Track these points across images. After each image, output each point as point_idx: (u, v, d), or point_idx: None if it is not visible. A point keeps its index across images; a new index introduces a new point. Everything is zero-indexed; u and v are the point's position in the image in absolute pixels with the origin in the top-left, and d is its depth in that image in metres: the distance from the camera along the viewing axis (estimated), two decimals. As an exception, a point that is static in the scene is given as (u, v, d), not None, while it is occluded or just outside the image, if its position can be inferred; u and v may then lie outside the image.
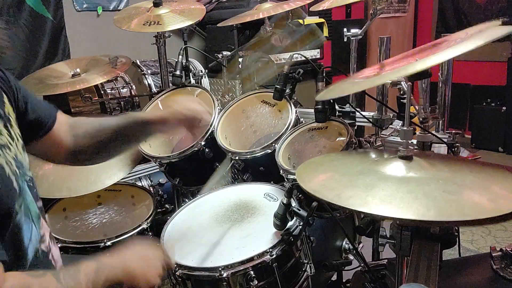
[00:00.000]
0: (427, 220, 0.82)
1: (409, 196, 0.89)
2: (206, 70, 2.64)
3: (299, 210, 1.24)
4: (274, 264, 1.22)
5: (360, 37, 1.99)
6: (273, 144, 1.65)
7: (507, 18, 1.14)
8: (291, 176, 1.48)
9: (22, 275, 0.88)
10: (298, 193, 1.46)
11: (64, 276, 0.90)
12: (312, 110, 1.62)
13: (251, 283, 1.20)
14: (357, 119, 1.79)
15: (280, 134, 1.68)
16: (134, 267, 1.02)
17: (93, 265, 0.95)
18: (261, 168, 1.69)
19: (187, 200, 1.74)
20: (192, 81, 2.36)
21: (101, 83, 2.41)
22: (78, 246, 1.64)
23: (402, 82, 1.26)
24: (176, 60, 2.00)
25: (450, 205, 0.84)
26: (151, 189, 2.15)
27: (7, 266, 0.85)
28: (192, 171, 1.85)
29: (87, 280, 0.91)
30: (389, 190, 0.92)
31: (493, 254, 1.41)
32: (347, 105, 1.79)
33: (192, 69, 2.58)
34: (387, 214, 0.85)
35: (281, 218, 1.24)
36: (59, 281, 0.88)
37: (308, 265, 1.37)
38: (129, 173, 1.95)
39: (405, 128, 1.07)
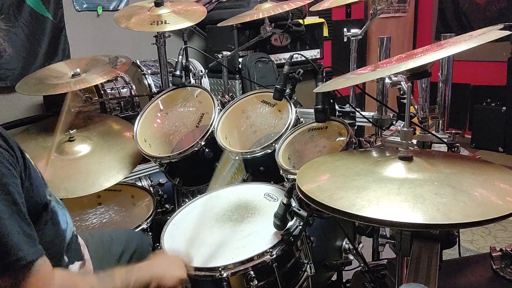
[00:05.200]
0: (410, 222, 0.82)
1: (398, 198, 0.89)
2: (206, 70, 2.64)
3: (299, 210, 1.24)
4: (274, 264, 1.22)
5: (360, 37, 2.00)
6: (273, 144, 1.65)
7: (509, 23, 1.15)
8: (291, 176, 1.48)
9: (66, 272, 1.03)
10: (298, 193, 1.46)
11: (102, 276, 1.04)
12: (312, 110, 1.62)
13: (251, 283, 1.20)
14: (357, 119, 1.79)
15: (280, 134, 1.68)
16: (161, 268, 1.15)
17: (124, 269, 1.09)
18: (261, 168, 1.69)
19: (187, 200, 1.74)
20: (192, 81, 2.36)
21: (101, 83, 2.41)
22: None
23: (402, 82, 1.26)
24: (176, 60, 2.00)
25: (437, 208, 0.84)
26: (151, 189, 2.15)
27: (49, 247, 0.98)
28: (192, 171, 1.85)
29: (121, 280, 1.04)
30: (380, 192, 0.92)
31: (493, 254, 1.41)
32: (347, 105, 1.79)
33: (192, 69, 2.58)
34: (371, 215, 0.85)
35: (281, 218, 1.24)
36: (99, 279, 1.03)
37: (308, 265, 1.37)
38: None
39: (405, 129, 1.07)
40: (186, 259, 1.23)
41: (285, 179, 1.53)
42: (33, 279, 0.87)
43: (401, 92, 1.38)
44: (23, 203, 0.91)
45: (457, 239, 1.40)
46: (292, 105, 1.78)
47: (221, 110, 1.91)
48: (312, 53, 3.43)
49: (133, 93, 2.57)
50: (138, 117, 1.96)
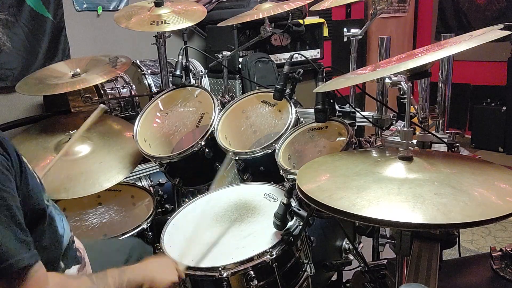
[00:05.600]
0: (410, 222, 0.82)
1: (398, 198, 0.89)
2: (206, 70, 2.64)
3: (299, 210, 1.24)
4: (274, 264, 1.22)
5: (360, 37, 2.00)
6: (273, 144, 1.65)
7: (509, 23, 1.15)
8: (291, 176, 1.48)
9: (60, 275, 1.02)
10: (298, 193, 1.46)
11: (96, 278, 1.04)
12: (312, 110, 1.62)
13: (251, 283, 1.20)
14: (357, 119, 1.79)
15: (280, 134, 1.68)
16: (153, 271, 1.15)
17: (117, 270, 1.09)
18: (261, 168, 1.69)
19: (187, 200, 1.74)
20: (192, 81, 2.35)
21: (101, 83, 2.41)
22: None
23: (402, 82, 1.26)
24: (176, 60, 2.00)
25: (437, 208, 0.84)
26: (151, 189, 2.15)
27: (46, 253, 0.98)
28: (192, 171, 1.85)
29: (113, 281, 1.04)
30: (380, 192, 0.92)
31: (493, 254, 1.41)
32: (347, 105, 1.79)
33: (192, 69, 2.58)
34: (371, 215, 0.85)
35: (281, 218, 1.24)
36: (92, 281, 1.02)
37: (308, 265, 1.37)
38: (129, 173, 1.94)
39: (405, 129, 1.07)
40: (178, 263, 1.22)
41: (285, 179, 1.53)
42: (29, 284, 0.87)
43: (401, 92, 1.38)
44: (18, 207, 0.90)
45: (457, 239, 1.40)
46: (292, 105, 1.78)
47: (221, 110, 1.91)
48: (312, 53, 3.43)
49: (133, 93, 2.57)
50: (138, 117, 1.96)
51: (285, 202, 1.23)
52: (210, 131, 1.77)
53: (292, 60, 1.76)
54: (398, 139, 1.62)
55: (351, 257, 1.71)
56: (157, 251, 1.38)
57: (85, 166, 1.85)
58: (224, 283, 1.21)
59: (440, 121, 1.67)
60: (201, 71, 2.48)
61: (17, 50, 2.60)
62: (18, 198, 0.92)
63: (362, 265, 1.51)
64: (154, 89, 2.62)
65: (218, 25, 2.37)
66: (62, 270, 1.11)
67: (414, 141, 1.50)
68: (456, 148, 1.55)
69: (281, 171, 1.53)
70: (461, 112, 4.83)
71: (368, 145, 1.76)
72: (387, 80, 1.39)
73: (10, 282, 0.85)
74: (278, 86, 1.75)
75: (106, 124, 2.11)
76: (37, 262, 0.89)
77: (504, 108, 4.32)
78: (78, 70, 2.10)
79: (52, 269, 1.06)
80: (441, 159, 1.11)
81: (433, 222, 0.82)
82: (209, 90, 2.01)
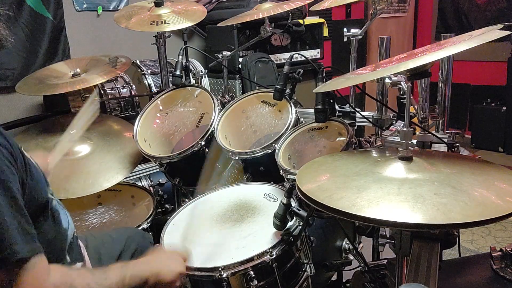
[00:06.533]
0: (410, 222, 0.82)
1: (398, 198, 0.89)
2: (206, 70, 2.64)
3: (299, 210, 1.24)
4: (274, 264, 1.22)
5: (360, 37, 2.00)
6: (273, 144, 1.65)
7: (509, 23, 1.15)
8: (291, 176, 1.48)
9: (63, 268, 1.01)
10: (297, 193, 1.46)
11: (96, 271, 1.03)
12: (312, 110, 1.62)
13: (251, 283, 1.20)
14: (357, 119, 1.79)
15: (280, 134, 1.68)
16: (158, 264, 1.13)
17: (119, 265, 1.07)
18: (261, 168, 1.69)
19: (187, 200, 1.74)
20: (192, 81, 2.36)
21: (101, 83, 2.41)
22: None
23: (402, 82, 1.26)
24: (176, 60, 2.00)
25: (437, 208, 0.84)
26: (151, 189, 2.16)
27: (51, 246, 1.00)
28: (192, 171, 1.85)
29: (115, 275, 1.02)
30: (380, 192, 0.92)
31: (493, 254, 1.41)
32: (347, 105, 1.79)
33: (192, 69, 2.58)
34: (371, 215, 0.85)
35: (281, 218, 1.24)
36: (93, 274, 1.01)
37: (308, 265, 1.37)
38: (129, 173, 1.94)
39: (405, 129, 1.07)
40: (184, 254, 1.22)
41: (285, 179, 1.53)
42: (28, 276, 0.87)
43: (401, 92, 1.38)
44: (21, 200, 0.91)
45: (457, 239, 1.40)
46: (292, 105, 1.78)
47: (221, 110, 1.91)
48: (312, 53, 3.43)
49: (133, 93, 2.57)
50: (138, 117, 1.96)
51: (285, 202, 1.23)
52: (210, 131, 1.77)
53: (292, 60, 1.76)
54: (398, 139, 1.62)
55: (351, 257, 1.71)
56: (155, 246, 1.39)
57: (85, 166, 1.85)
58: (224, 283, 1.20)
59: (440, 121, 1.67)
60: (201, 71, 2.48)
61: (17, 50, 2.60)
62: (20, 191, 0.93)
63: (362, 265, 1.51)
64: (154, 89, 2.62)
65: (218, 25, 2.37)
66: (68, 264, 1.11)
67: (414, 141, 1.50)
68: (456, 148, 1.55)
69: (281, 171, 1.53)
70: (461, 112, 4.83)
71: (368, 145, 1.76)
72: (387, 80, 1.39)
73: (10, 272, 0.85)
74: (278, 86, 1.75)
75: (106, 124, 2.11)
76: (37, 254, 0.89)
77: (504, 108, 4.32)
78: (78, 70, 2.10)
79: (58, 262, 1.06)
80: (441, 159, 1.11)
81: (433, 222, 0.82)
82: (209, 90, 2.01)
